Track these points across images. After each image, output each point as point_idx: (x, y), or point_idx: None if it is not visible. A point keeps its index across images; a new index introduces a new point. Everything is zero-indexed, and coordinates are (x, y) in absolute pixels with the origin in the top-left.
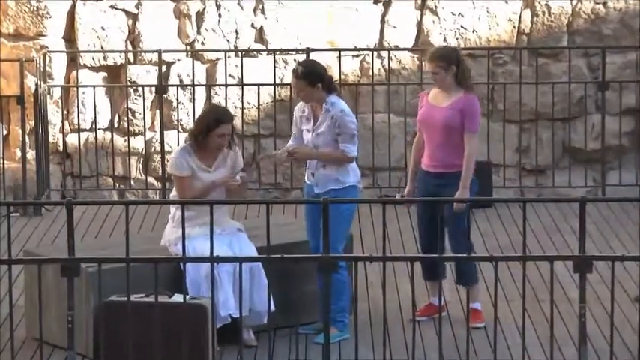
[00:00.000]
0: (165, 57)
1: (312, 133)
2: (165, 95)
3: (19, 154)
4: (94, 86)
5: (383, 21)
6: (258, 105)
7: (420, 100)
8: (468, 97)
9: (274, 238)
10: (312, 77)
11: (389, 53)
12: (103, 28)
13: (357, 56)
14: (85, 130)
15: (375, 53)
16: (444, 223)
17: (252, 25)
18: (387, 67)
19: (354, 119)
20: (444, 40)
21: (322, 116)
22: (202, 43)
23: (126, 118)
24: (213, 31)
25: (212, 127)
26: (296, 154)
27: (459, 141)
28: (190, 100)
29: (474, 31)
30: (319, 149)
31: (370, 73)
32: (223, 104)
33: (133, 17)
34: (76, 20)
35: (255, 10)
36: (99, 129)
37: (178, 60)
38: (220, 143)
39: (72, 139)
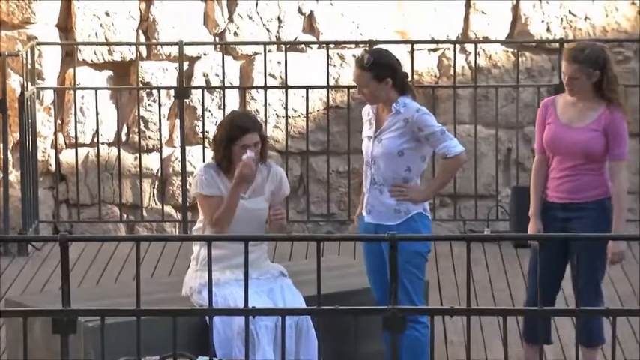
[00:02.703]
0: (188, 51)
1: (373, 141)
2: (187, 100)
3: None
4: (95, 88)
5: (468, 5)
6: (307, 113)
7: (543, 111)
8: (612, 113)
9: (327, 284)
10: (380, 69)
11: (476, 47)
12: (107, 14)
13: (435, 50)
14: (85, 144)
15: (458, 47)
16: (572, 265)
17: (300, 11)
18: (473, 64)
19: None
20: (547, 29)
21: (389, 120)
22: (235, 34)
23: (137, 130)
24: (250, 17)
25: (232, 137)
26: (408, 196)
27: (597, 168)
28: (219, 107)
29: (586, 18)
30: (377, 163)
31: (451, 72)
32: (262, 111)
33: (147, 0)
34: (74, 4)
35: None
36: (102, 143)
37: (204, 55)
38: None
39: (67, 157)
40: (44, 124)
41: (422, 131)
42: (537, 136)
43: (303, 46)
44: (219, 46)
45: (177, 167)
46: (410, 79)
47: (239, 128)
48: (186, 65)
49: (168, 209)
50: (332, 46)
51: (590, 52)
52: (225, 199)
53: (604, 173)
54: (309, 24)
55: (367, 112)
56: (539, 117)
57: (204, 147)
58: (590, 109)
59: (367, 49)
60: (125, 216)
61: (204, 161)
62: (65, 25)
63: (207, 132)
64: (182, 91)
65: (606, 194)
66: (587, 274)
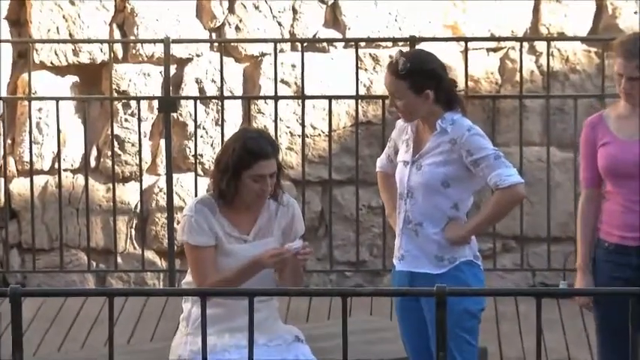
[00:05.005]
0: (176, 50)
1: (411, 168)
2: (174, 114)
3: None
4: (57, 99)
5: None
6: (330, 131)
7: (591, 133)
8: None
9: (355, 351)
10: (419, 79)
11: (548, 45)
12: (72, 3)
13: (495, 50)
14: (43, 171)
15: (526, 45)
16: None
17: None
18: (545, 68)
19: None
20: None
21: (432, 140)
22: (237, 28)
23: (110, 153)
24: (256, 7)
25: (244, 164)
26: (451, 239)
27: None
28: (217, 123)
29: None
30: (414, 196)
31: (517, 77)
32: (271, 128)
33: None
34: None
35: None
36: (65, 170)
37: (197, 56)
38: (260, 190)
39: (20, 187)
40: None
41: (471, 155)
42: (584, 165)
43: (325, 44)
44: (216, 44)
45: (162, 201)
46: (460, 88)
47: (254, 154)
48: (173, 69)
49: (150, 255)
50: (362, 44)
51: None
52: (236, 269)
53: None
54: (333, 16)
55: (404, 129)
56: (586, 141)
57: (196, 174)
58: None
59: (403, 51)
60: (94, 264)
61: (196, 194)
62: (18, 18)
63: (201, 155)
64: (168, 102)
65: None
66: None
